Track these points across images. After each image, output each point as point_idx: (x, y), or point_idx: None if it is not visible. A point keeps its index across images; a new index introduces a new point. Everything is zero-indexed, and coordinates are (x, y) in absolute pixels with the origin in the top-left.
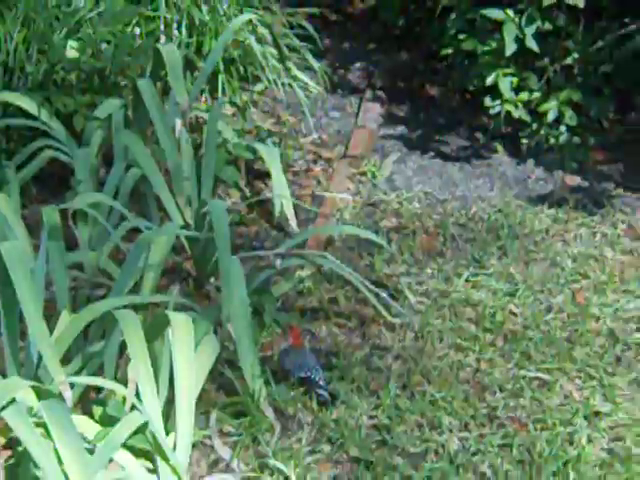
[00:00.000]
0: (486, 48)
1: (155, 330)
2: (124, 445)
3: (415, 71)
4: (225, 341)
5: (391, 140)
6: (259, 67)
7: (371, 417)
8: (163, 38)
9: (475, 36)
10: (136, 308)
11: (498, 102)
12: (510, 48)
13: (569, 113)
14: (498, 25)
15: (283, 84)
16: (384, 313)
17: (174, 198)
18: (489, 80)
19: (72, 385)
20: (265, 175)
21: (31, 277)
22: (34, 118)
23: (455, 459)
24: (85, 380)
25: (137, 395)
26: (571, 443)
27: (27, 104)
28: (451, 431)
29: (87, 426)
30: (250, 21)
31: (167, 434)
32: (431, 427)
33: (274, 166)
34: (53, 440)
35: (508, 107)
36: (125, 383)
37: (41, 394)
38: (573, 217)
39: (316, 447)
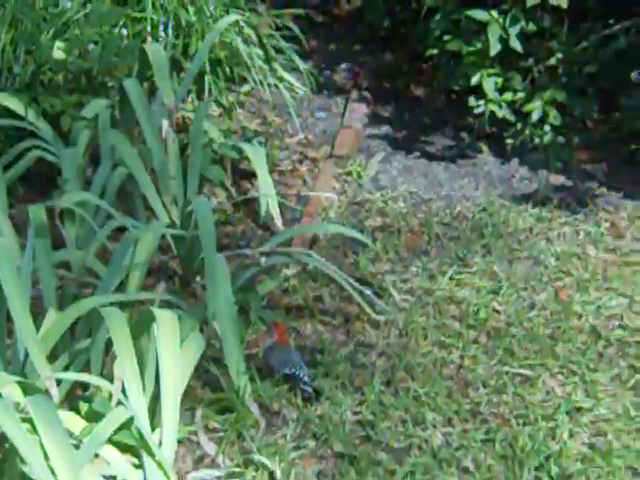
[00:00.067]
0: (471, 49)
1: (141, 327)
2: (110, 441)
3: (400, 72)
4: (211, 338)
5: (377, 140)
6: (245, 68)
7: (355, 413)
8: (150, 39)
9: (460, 37)
10: (122, 306)
11: (482, 102)
12: (494, 48)
13: (553, 113)
14: (483, 26)
15: (269, 85)
16: (368, 311)
17: (160, 197)
18: (474, 80)
19: (59, 382)
20: (251, 175)
21: (18, 275)
22: (21, 118)
23: (438, 454)
24: (71, 376)
25: (123, 391)
26: (553, 438)
27: (14, 104)
28: (435, 426)
29: (73, 422)
30: (236, 22)
31: (153, 430)
32: (415, 423)
33: (260, 166)
34: (39, 435)
35: (492, 107)
36: (111, 380)
37: (27, 390)
38: (557, 216)
39: (301, 443)
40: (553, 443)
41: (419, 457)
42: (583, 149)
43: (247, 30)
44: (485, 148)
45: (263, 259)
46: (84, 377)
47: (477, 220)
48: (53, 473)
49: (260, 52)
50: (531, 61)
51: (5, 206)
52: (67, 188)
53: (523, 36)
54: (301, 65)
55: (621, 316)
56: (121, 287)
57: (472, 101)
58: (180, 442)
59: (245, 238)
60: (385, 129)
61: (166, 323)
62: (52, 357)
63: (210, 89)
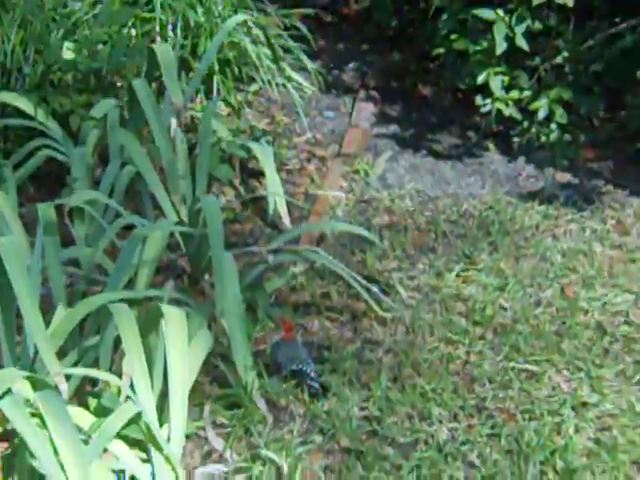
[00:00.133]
0: (477, 47)
1: (149, 324)
2: (118, 435)
3: (408, 71)
4: (219, 335)
5: (384, 139)
6: (254, 68)
7: (362, 409)
8: (158, 39)
9: (466, 36)
10: (131, 303)
11: (489, 101)
12: (500, 47)
13: (559, 111)
14: (489, 25)
15: (277, 84)
16: (375, 307)
17: (169, 196)
18: (480, 79)
19: (68, 378)
20: (259, 174)
21: (27, 272)
22: (31, 118)
23: (444, 449)
24: (80, 371)
25: (132, 387)
26: (558, 433)
27: (24, 104)
28: (440, 422)
29: (82, 417)
30: (245, 22)
31: (161, 426)
32: (421, 418)
33: (268, 165)
34: (49, 430)
35: (499, 105)
36: (120, 376)
37: (37, 385)
38: (563, 213)
39: (308, 438)
40: (558, 438)
41: (425, 452)
42: (589, 147)
43: (255, 30)
44: (492, 146)
45: (271, 257)
46: (93, 372)
47: (484, 218)
48: (62, 468)
49: (268, 52)
50: (537, 60)
51: (15, 205)
52: (76, 187)
53: (529, 35)
54: (309, 65)
55: (627, 312)
56: (130, 284)
57: (479, 100)
58: (188, 437)
59: (253, 236)
60: (393, 128)
61: (174, 320)
62: (61, 354)
63: (219, 89)
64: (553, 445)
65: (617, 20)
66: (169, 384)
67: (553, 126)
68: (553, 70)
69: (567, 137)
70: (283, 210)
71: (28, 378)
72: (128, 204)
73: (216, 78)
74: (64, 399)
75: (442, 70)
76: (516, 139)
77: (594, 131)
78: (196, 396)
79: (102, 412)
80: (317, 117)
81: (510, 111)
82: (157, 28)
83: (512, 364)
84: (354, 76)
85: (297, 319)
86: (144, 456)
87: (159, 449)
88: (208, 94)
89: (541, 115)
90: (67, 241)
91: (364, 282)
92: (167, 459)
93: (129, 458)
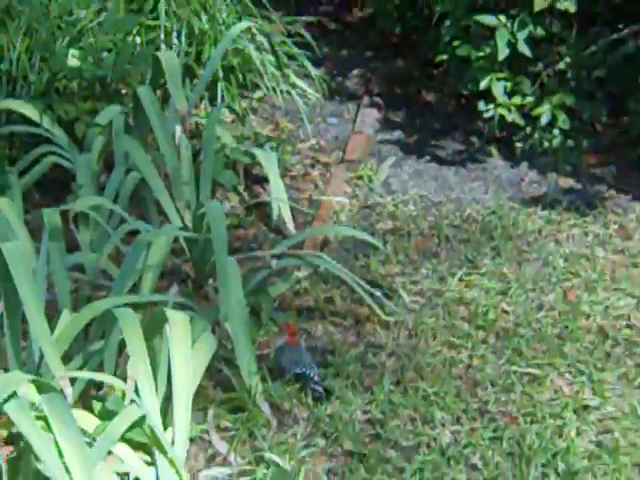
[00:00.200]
0: (480, 53)
1: (153, 328)
2: (123, 438)
3: (411, 77)
4: (223, 340)
5: (388, 145)
6: (258, 75)
7: (365, 412)
8: (163, 47)
9: (469, 42)
10: (135, 308)
11: (492, 106)
12: (502, 53)
13: (562, 117)
14: (491, 31)
15: (282, 91)
16: (379, 312)
17: (173, 202)
18: (482, 84)
19: (73, 383)
20: (263, 179)
21: (33, 278)
22: (37, 125)
23: (447, 452)
24: (85, 374)
25: (136, 391)
26: (560, 436)
27: (30, 111)
28: (443, 425)
29: (87, 420)
30: (249, 29)
31: (165, 429)
32: (424, 421)
33: (272, 171)
34: (54, 433)
35: (501, 111)
36: (124, 380)
37: (42, 389)
38: (566, 218)
39: (311, 441)
40: (560, 441)
41: (428, 455)
42: (592, 152)
43: (259, 37)
44: (495, 152)
45: (274, 261)
46: (97, 376)
47: (487, 222)
48: (67, 471)
49: (272, 59)
50: (540, 65)
51: (21, 211)
52: (81, 193)
53: (532, 41)
54: (313, 71)
55: (629, 316)
56: (134, 289)
57: (481, 105)
58: (192, 441)
59: (257, 241)
60: (396, 134)
61: (178, 324)
62: (66, 358)
63: (223, 95)
64: (555, 448)
65: (620, 26)
66: (173, 388)
67: (556, 132)
68: (556, 76)
69: (570, 142)
70: (287, 216)
71: (33, 381)
72: (133, 210)
73: (220, 85)
74: (69, 402)
75: (445, 76)
76: (519, 144)
77: (597, 136)
78: (200, 400)
79: (107, 415)
80: (321, 123)
81: (513, 117)
82: (162, 35)
83: (514, 368)
84: (358, 83)
85: (301, 323)
86: (148, 459)
87: (163, 452)
88: (212, 101)
89: (544, 121)
90: (72, 247)
91: (367, 287)
92: (171, 462)
93: (133, 461)
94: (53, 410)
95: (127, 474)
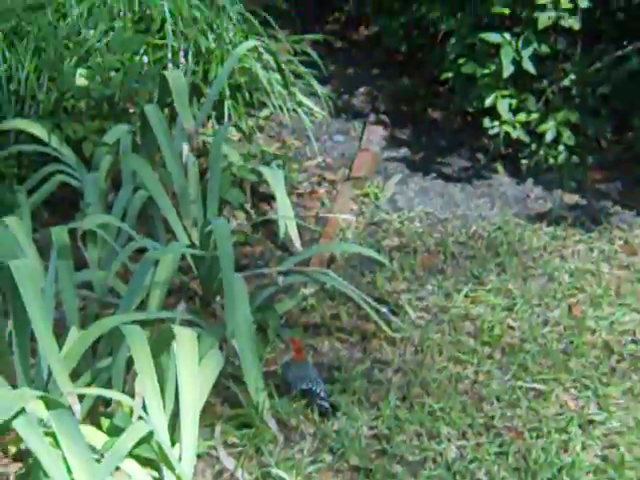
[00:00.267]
0: (485, 71)
1: (161, 345)
2: (131, 454)
3: (417, 95)
4: (230, 356)
5: (394, 162)
6: (265, 93)
7: (371, 427)
8: (170, 66)
9: (474, 60)
10: (143, 325)
11: (497, 123)
12: (507, 70)
13: (567, 133)
14: (496, 48)
15: (288, 109)
16: (385, 328)
17: (181, 220)
18: (488, 102)
19: (81, 400)
20: (270, 197)
21: (41, 296)
22: (45, 144)
23: (453, 467)
24: (93, 391)
25: (144, 408)
26: (566, 450)
27: (38, 131)
28: (449, 440)
29: (95, 436)
30: (255, 48)
31: (173, 445)
32: (430, 436)
33: (278, 188)
34: (62, 449)
35: (507, 128)
36: (132, 397)
37: (50, 405)
38: (571, 234)
39: (318, 457)
40: (566, 455)
41: (434, 470)
42: (597, 169)
43: (266, 56)
44: (500, 168)
45: (281, 278)
46: (105, 392)
47: (492, 239)
48: None
49: (279, 77)
50: (545, 82)
51: (29, 229)
52: (89, 211)
53: (536, 58)
54: (320, 90)
55: (634, 331)
56: (142, 306)
57: (487, 122)
58: (200, 457)
59: (264, 258)
60: (402, 151)
61: (185, 341)
62: (75, 375)
63: (230, 114)
64: (560, 462)
65: (624, 43)
66: (180, 404)
67: (561, 148)
68: (560, 93)
69: (575, 159)
70: (294, 233)
71: (42, 398)
72: (141, 228)
73: (227, 103)
74: (77, 419)
75: (451, 94)
76: (524, 161)
77: (602, 153)
78: (207, 416)
79: (115, 431)
80: (327, 141)
81: (518, 133)
82: (169, 55)
83: (520, 383)
84: (364, 100)
85: (307, 340)
86: (156, 475)
87: (171, 468)
88: (220, 119)
89: (549, 137)
90: (80, 264)
91: (374, 303)
92: (179, 478)
93: (141, 477)
94: (61, 426)
95: None
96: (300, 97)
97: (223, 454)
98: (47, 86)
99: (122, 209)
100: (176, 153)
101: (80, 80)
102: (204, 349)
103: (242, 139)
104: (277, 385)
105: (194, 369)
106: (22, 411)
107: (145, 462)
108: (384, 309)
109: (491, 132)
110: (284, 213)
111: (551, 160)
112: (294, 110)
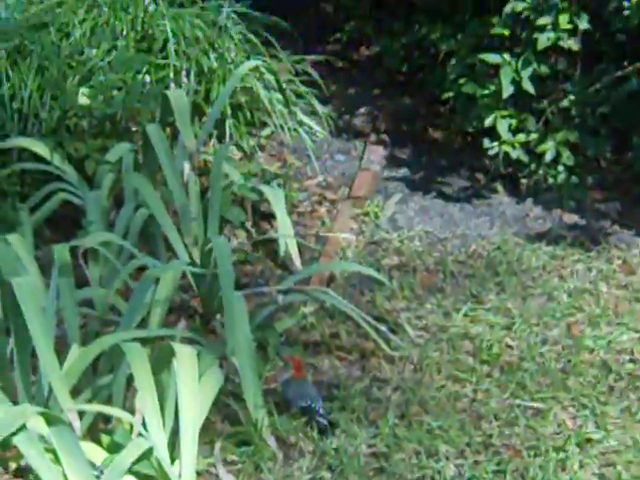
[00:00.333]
0: (485, 91)
1: (161, 362)
2: (130, 471)
3: (418, 115)
4: (230, 374)
5: (394, 182)
6: (266, 112)
7: (370, 445)
8: (172, 85)
9: (474, 80)
10: (143, 342)
11: (496, 143)
12: (507, 91)
13: (566, 153)
14: (496, 69)
15: (289, 129)
16: (384, 346)
17: (182, 238)
18: (487, 122)
19: (81, 416)
20: (271, 216)
21: (43, 314)
22: (47, 162)
23: None
24: (93, 408)
25: (144, 425)
26: (563, 469)
27: (41, 149)
28: (447, 458)
29: (95, 453)
30: (257, 68)
31: (172, 462)
32: (428, 455)
33: (279, 207)
34: (62, 466)
35: (506, 148)
36: (132, 414)
37: (51, 421)
38: (570, 254)
39: (317, 474)
40: (563, 474)
41: None
42: (596, 188)
43: (267, 75)
44: (500, 188)
45: (281, 297)
46: (105, 409)
47: (491, 258)
48: None
49: (280, 97)
50: (544, 103)
51: (31, 247)
52: (91, 229)
53: (536, 78)
54: (320, 109)
55: (632, 350)
56: (143, 324)
57: (486, 143)
58: (199, 474)
59: (264, 277)
60: (403, 171)
61: (185, 358)
62: (75, 392)
63: (231, 133)
64: None
65: (624, 63)
66: (180, 421)
67: (560, 168)
68: (560, 113)
69: (574, 179)
70: (294, 252)
71: (42, 414)
72: (142, 246)
73: (229, 123)
74: (77, 435)
75: (452, 114)
76: (524, 181)
77: (601, 173)
78: (207, 433)
79: (115, 448)
80: (328, 160)
81: (517, 153)
82: (171, 74)
83: (518, 401)
84: (365, 120)
85: (307, 358)
86: None
87: None
88: (221, 138)
89: (548, 157)
90: (82, 282)
91: (373, 322)
92: None
93: None
94: (62, 443)
95: None
96: (301, 116)
97: (222, 471)
98: (50, 104)
99: (124, 227)
100: (177, 172)
101: (82, 99)
102: (204, 367)
103: (243, 158)
104: (277, 403)
105: (194, 386)
106: (23, 427)
107: (145, 479)
108: (383, 328)
109: (491, 152)
110: (284, 232)
111: (550, 180)
112: (295, 129)
